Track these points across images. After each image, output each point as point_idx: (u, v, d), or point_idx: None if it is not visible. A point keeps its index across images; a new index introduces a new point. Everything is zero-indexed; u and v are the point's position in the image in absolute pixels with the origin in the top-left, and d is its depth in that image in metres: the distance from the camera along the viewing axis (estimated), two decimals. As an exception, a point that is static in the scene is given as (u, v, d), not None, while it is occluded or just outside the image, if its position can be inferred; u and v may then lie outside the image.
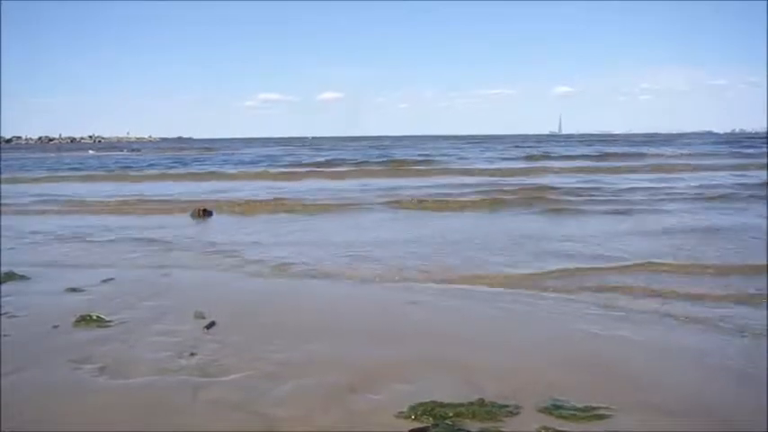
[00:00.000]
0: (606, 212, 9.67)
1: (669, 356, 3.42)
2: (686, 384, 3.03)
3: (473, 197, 11.84)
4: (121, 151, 47.36)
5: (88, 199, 12.67)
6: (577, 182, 15.03)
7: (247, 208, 10.71)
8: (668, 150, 31.81)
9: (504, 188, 13.43)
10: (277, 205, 11.00)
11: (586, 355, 3.40)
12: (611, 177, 16.45)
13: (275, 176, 18.80)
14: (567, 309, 4.30)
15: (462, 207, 10.60)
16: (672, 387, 2.97)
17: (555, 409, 2.71)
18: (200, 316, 4.11)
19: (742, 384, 3.02)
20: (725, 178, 15.63)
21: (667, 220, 8.73)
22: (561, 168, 20.46)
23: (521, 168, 20.63)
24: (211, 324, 3.95)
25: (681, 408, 2.74)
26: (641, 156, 27.23)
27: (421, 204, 10.83)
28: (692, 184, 14.21)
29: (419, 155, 30.38)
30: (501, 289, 4.85)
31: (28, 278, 5.33)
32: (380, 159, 27.20)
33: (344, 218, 9.58)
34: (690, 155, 27.24)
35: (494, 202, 11.04)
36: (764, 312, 4.14)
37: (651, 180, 15.56)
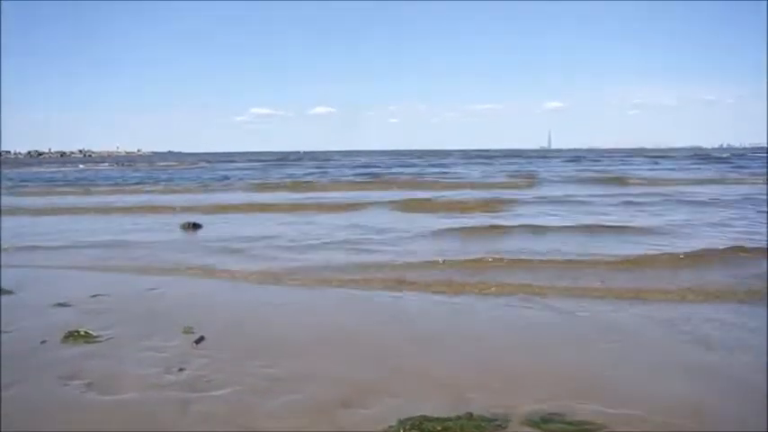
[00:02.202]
0: None
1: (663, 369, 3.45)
2: (681, 398, 3.03)
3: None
4: (110, 166, 46.85)
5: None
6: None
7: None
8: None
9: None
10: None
11: (577, 368, 3.42)
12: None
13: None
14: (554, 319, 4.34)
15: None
16: (666, 401, 2.99)
17: (543, 422, 2.72)
18: (188, 331, 4.10)
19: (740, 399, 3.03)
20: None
21: None
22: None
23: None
24: (200, 339, 3.94)
25: (675, 422, 2.74)
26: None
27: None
28: None
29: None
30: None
31: (14, 293, 5.29)
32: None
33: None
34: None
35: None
36: None
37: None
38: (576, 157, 54.69)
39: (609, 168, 30.88)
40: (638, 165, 35.80)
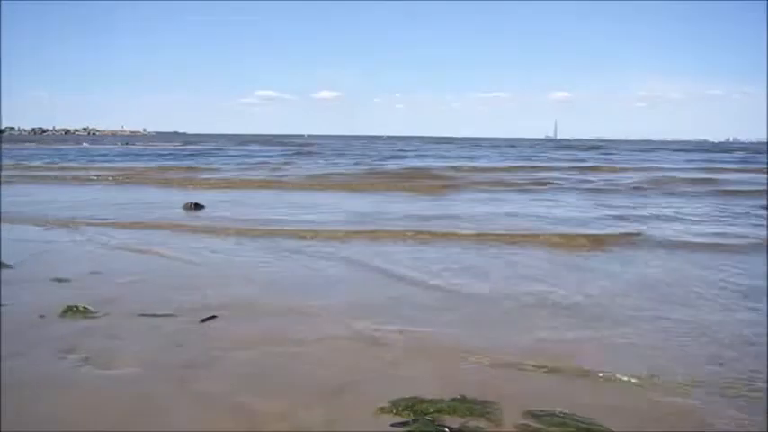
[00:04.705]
0: None
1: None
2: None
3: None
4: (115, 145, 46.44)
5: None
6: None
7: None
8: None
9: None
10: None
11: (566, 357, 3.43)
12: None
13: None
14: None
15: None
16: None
17: (535, 409, 2.72)
18: (189, 306, 4.11)
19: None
20: None
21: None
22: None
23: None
24: (209, 318, 3.94)
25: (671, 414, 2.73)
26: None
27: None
28: None
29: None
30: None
31: (12, 267, 5.31)
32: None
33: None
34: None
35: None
36: None
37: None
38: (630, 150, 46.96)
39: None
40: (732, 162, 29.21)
